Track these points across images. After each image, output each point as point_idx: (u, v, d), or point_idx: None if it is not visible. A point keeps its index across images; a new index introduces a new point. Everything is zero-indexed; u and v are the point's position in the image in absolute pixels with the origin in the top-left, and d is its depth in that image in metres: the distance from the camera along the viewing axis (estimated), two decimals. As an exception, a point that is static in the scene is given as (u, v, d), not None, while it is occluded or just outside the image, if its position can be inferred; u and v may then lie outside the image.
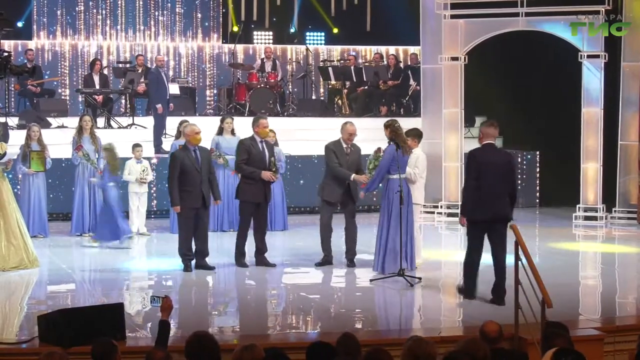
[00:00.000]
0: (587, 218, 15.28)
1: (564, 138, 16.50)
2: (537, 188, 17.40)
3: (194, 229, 11.09)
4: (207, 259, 11.20)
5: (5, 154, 11.60)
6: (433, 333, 8.17)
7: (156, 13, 21.32)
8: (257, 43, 22.08)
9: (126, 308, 8.47)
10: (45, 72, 19.88)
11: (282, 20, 22.24)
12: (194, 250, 11.17)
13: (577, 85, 15.32)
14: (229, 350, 5.81)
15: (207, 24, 21.70)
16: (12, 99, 19.16)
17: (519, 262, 7.90)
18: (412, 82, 19.38)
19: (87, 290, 10.42)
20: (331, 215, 11.39)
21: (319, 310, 9.47)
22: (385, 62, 20.49)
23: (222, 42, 21.83)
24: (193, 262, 11.13)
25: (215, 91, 21.43)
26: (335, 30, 22.36)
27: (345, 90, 20.13)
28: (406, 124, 12.39)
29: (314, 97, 21.17)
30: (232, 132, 14.03)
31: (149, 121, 17.29)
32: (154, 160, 15.27)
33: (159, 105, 16.61)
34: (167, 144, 15.51)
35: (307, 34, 22.47)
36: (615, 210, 15.37)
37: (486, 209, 9.32)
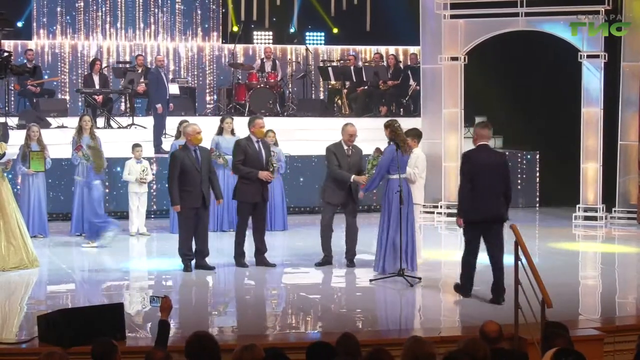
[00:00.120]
0: (587, 218, 15.28)
1: (564, 138, 16.50)
2: (537, 188, 17.39)
3: (194, 229, 11.09)
4: (207, 259, 11.20)
5: (4, 154, 11.60)
6: (433, 333, 8.17)
7: (156, 12, 21.31)
8: (257, 43, 22.07)
9: (126, 308, 8.48)
10: (45, 72, 19.88)
11: (282, 20, 22.23)
12: (194, 250, 11.17)
13: (577, 85, 15.32)
14: (229, 350, 5.80)
15: (207, 24, 21.69)
16: (12, 99, 19.16)
17: (519, 262, 7.90)
18: (412, 82, 19.38)
19: (87, 290, 10.42)
20: (332, 215, 11.39)
21: (319, 311, 9.47)
22: (385, 62, 20.48)
23: (222, 42, 21.83)
24: (193, 262, 11.13)
25: (215, 92, 21.44)
26: (335, 30, 22.35)
27: (345, 90, 20.13)
28: (406, 124, 12.39)
29: (313, 97, 21.17)
30: (232, 132, 14.03)
31: (148, 121, 17.29)
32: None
33: (158, 105, 16.61)
34: (167, 144, 15.50)
35: (307, 34, 22.47)
36: (615, 210, 15.37)
37: (482, 209, 9.42)
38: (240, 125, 14.61)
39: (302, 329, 8.90)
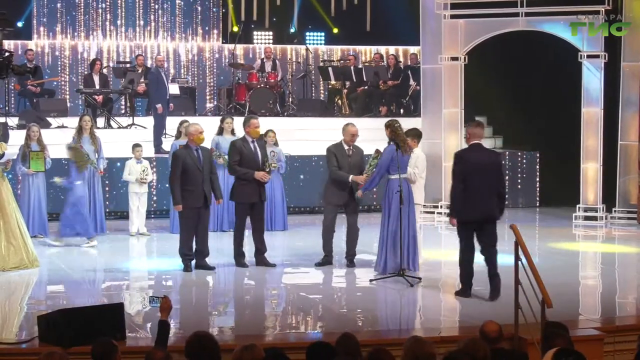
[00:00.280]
0: (587, 218, 15.28)
1: (564, 138, 16.50)
2: (537, 188, 17.39)
3: (195, 229, 11.09)
4: (207, 259, 11.21)
5: (4, 154, 11.60)
6: (433, 333, 8.17)
7: (156, 12, 21.31)
8: (257, 43, 22.07)
9: (126, 308, 8.48)
10: (45, 72, 19.87)
11: (282, 20, 22.23)
12: (194, 250, 11.17)
13: (577, 85, 15.32)
14: (229, 350, 5.80)
15: (207, 24, 21.69)
16: (12, 99, 19.16)
17: (519, 262, 7.90)
18: (412, 82, 19.37)
19: (87, 290, 10.42)
20: (335, 216, 11.38)
21: (319, 311, 9.47)
22: (385, 62, 20.48)
23: (222, 42, 21.83)
24: (193, 262, 11.13)
25: (215, 92, 21.44)
26: (335, 30, 22.35)
27: (345, 90, 20.13)
28: (406, 124, 12.39)
29: (314, 97, 21.17)
30: (232, 132, 14.02)
31: (149, 121, 17.29)
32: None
33: (158, 105, 16.61)
34: (167, 144, 15.50)
35: (307, 34, 22.46)
36: (615, 210, 15.37)
37: (475, 209, 9.50)
38: (241, 126, 14.61)
39: (302, 329, 8.90)
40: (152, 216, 14.95)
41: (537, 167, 17.39)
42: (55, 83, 20.19)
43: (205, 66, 21.66)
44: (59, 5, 20.71)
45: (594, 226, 15.05)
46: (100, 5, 20.94)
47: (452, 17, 15.94)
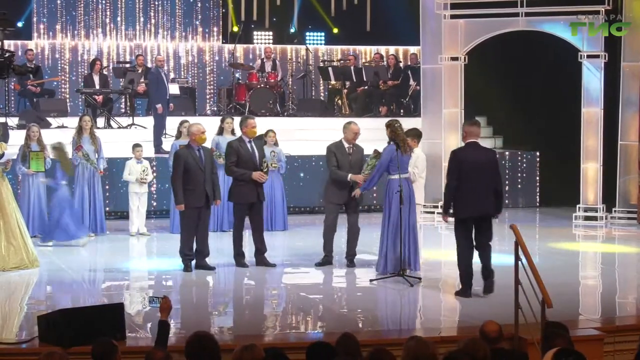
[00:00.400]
0: (587, 218, 15.27)
1: (564, 138, 16.50)
2: (537, 188, 17.39)
3: (195, 228, 11.10)
4: (207, 259, 11.20)
5: (4, 154, 11.60)
6: (433, 333, 8.17)
7: (156, 13, 21.31)
8: (257, 43, 22.07)
9: (126, 308, 8.48)
10: (45, 72, 19.87)
11: (282, 20, 22.23)
12: (194, 250, 11.17)
13: (577, 85, 15.32)
14: (229, 350, 5.80)
15: (207, 24, 21.68)
16: (12, 99, 19.15)
17: (519, 262, 7.90)
18: (412, 82, 19.37)
19: (87, 290, 10.43)
20: (336, 216, 11.38)
21: (319, 311, 9.47)
22: (385, 62, 20.48)
23: (222, 42, 21.83)
24: (193, 262, 11.13)
25: (215, 92, 21.44)
26: (335, 31, 22.35)
27: (345, 90, 20.13)
28: (406, 124, 12.38)
29: (314, 97, 21.16)
30: (233, 132, 14.01)
31: (149, 121, 17.29)
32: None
33: (159, 105, 16.61)
34: (167, 144, 15.50)
35: (307, 34, 22.46)
36: (615, 210, 15.37)
37: (471, 206, 9.57)
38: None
39: (302, 329, 8.90)
40: (152, 216, 14.94)
41: (537, 167, 17.39)
42: (55, 83, 20.19)
43: (205, 66, 21.66)
44: (59, 5, 20.70)
45: (594, 226, 15.05)
46: (100, 5, 20.93)
47: (452, 17, 15.94)
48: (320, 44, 22.48)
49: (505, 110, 18.01)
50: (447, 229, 14.78)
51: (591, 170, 15.32)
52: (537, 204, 17.30)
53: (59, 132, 16.34)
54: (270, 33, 22.22)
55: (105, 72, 19.04)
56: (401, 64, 20.83)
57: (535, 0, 15.45)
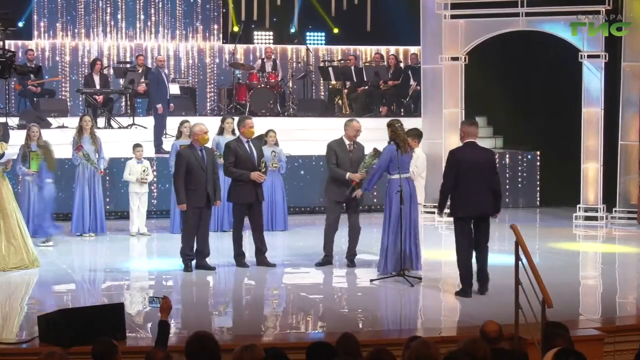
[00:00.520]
0: (587, 218, 15.27)
1: (564, 138, 16.50)
2: (537, 188, 17.39)
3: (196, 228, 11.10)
4: (207, 259, 11.21)
5: (4, 154, 11.60)
6: (433, 333, 8.17)
7: (156, 13, 21.31)
8: (257, 43, 22.07)
9: (126, 308, 8.47)
10: (46, 72, 19.87)
11: (282, 20, 22.23)
12: (194, 250, 11.17)
13: (577, 85, 15.32)
14: (229, 350, 5.81)
15: (207, 24, 21.68)
16: (13, 99, 19.16)
17: (519, 262, 7.91)
18: (412, 82, 19.37)
19: (87, 290, 10.43)
20: (338, 215, 11.37)
21: (319, 311, 9.47)
22: (386, 62, 20.48)
23: (222, 42, 21.83)
24: (193, 262, 11.13)
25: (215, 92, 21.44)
26: (336, 31, 22.36)
27: (346, 90, 20.13)
28: (406, 124, 12.34)
29: (314, 97, 21.17)
30: (233, 132, 14.00)
31: (149, 121, 17.29)
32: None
33: (159, 105, 16.61)
34: (168, 144, 15.51)
35: (308, 34, 22.47)
36: (615, 210, 15.37)
37: (470, 206, 9.63)
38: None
39: (303, 329, 8.91)
40: (153, 216, 14.94)
41: (537, 167, 17.39)
42: (55, 83, 20.19)
43: (206, 66, 21.66)
44: (59, 5, 20.70)
45: (594, 226, 15.05)
46: (100, 5, 20.93)
47: (453, 17, 15.94)
48: (321, 44, 22.49)
49: (506, 110, 18.01)
50: (447, 228, 14.81)
51: (591, 170, 15.32)
52: (538, 204, 17.29)
53: (59, 132, 16.36)
54: (271, 33, 22.23)
55: (105, 72, 19.04)
56: (401, 64, 20.83)
57: (536, 0, 15.45)
